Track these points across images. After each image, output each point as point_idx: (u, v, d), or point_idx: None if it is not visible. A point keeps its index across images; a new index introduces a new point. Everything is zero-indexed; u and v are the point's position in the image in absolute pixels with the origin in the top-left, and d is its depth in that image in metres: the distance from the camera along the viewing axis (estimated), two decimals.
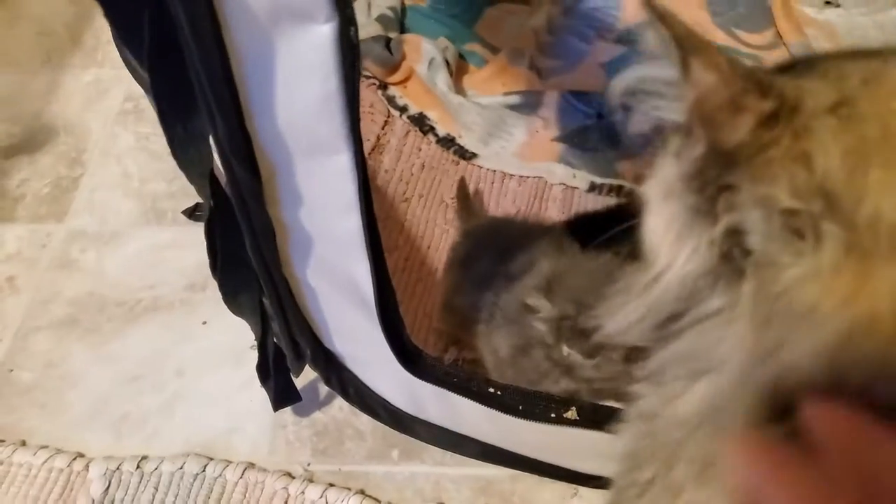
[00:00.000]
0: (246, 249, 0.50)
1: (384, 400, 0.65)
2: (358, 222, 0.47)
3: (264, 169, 0.45)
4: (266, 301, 0.56)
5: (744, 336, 0.26)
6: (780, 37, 1.12)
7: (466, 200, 0.89)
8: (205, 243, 0.51)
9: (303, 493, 0.69)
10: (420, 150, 1.01)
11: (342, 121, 0.41)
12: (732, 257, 0.26)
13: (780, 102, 0.25)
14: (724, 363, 0.27)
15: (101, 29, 1.14)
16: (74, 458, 0.71)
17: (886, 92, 0.25)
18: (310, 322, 0.58)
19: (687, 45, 0.25)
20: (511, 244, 0.68)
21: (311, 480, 0.70)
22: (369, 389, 0.64)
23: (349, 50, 0.38)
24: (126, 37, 0.38)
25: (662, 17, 0.25)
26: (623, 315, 0.31)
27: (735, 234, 0.26)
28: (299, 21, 0.37)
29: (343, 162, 0.43)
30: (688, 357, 0.29)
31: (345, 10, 0.37)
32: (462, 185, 0.91)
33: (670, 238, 0.28)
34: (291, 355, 0.59)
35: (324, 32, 0.37)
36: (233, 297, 0.56)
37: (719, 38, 1.11)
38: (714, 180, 0.26)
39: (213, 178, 0.46)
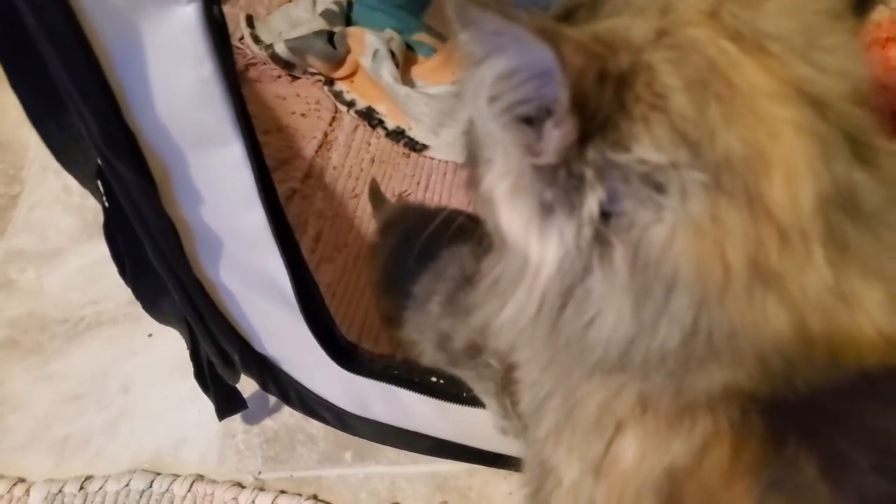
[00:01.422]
0: None
1: (326, 401, 0.62)
2: (262, 215, 0.44)
3: (155, 166, 0.42)
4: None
5: (621, 310, 0.24)
6: None
7: (378, 196, 0.86)
8: None
9: (253, 501, 0.67)
10: (369, 144, 0.99)
11: (225, 108, 0.39)
12: (603, 236, 0.24)
13: (629, 53, 0.23)
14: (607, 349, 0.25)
15: None
16: (15, 484, 0.69)
17: (686, 19, 0.23)
18: (234, 325, 0.55)
19: (551, 35, 0.21)
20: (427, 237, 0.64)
21: (261, 489, 0.68)
22: (309, 391, 0.62)
23: (216, 30, 0.35)
24: None
25: (514, 18, 0.22)
26: (512, 310, 0.28)
27: (602, 213, 0.24)
28: (161, 4, 0.35)
29: (235, 152, 0.41)
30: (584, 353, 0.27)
31: None
32: (373, 184, 0.88)
33: (533, 234, 0.26)
34: (219, 362, 0.57)
35: (188, 13, 0.35)
36: (152, 304, 0.54)
37: None
38: (576, 164, 0.24)
39: (106, 178, 0.44)
